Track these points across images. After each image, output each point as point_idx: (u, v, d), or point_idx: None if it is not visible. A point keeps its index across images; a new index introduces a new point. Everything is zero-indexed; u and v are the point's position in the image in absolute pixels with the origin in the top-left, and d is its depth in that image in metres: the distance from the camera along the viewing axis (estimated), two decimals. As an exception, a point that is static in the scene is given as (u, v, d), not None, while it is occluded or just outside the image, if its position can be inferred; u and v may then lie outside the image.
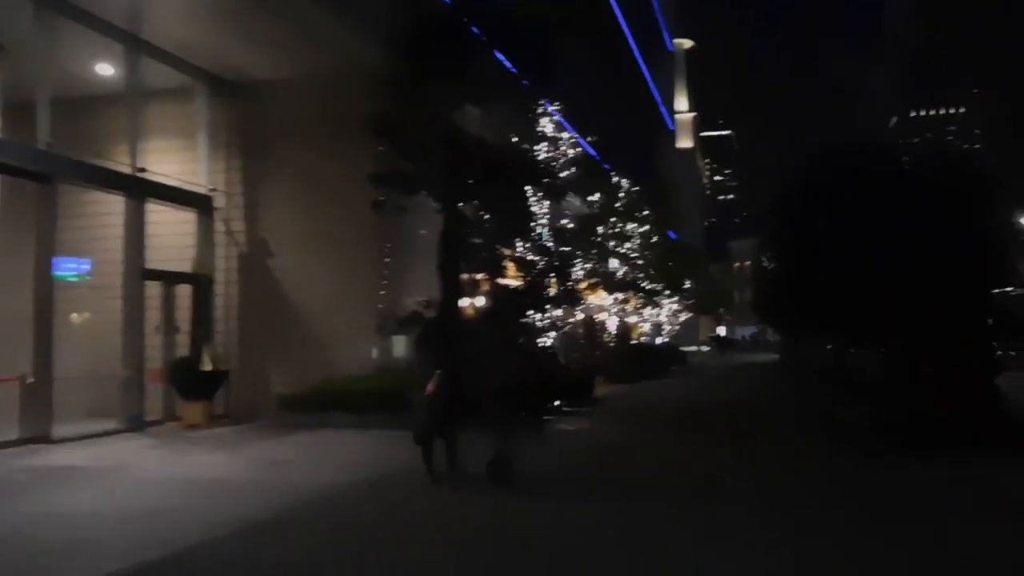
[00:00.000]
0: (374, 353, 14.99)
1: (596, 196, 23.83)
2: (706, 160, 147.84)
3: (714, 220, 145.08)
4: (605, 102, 31.63)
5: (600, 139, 27.88)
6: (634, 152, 30.81)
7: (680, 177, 71.75)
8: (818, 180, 16.81)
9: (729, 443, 11.16)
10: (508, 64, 15.91)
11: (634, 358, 23.94)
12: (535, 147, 16.21)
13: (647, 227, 25.71)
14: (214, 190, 15.22)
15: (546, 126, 17.39)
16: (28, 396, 11.22)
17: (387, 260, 15.40)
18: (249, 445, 11.46)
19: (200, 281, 14.61)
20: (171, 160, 14.93)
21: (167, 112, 15.16)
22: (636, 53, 39.48)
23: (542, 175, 15.37)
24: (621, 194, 24.89)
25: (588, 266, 22.44)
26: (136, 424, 12.88)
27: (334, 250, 14.99)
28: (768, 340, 68.81)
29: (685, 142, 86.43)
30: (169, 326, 14.25)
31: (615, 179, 24.90)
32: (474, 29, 14.06)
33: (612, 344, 25.50)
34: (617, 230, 24.16)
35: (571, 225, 20.07)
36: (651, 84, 45.23)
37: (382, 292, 15.17)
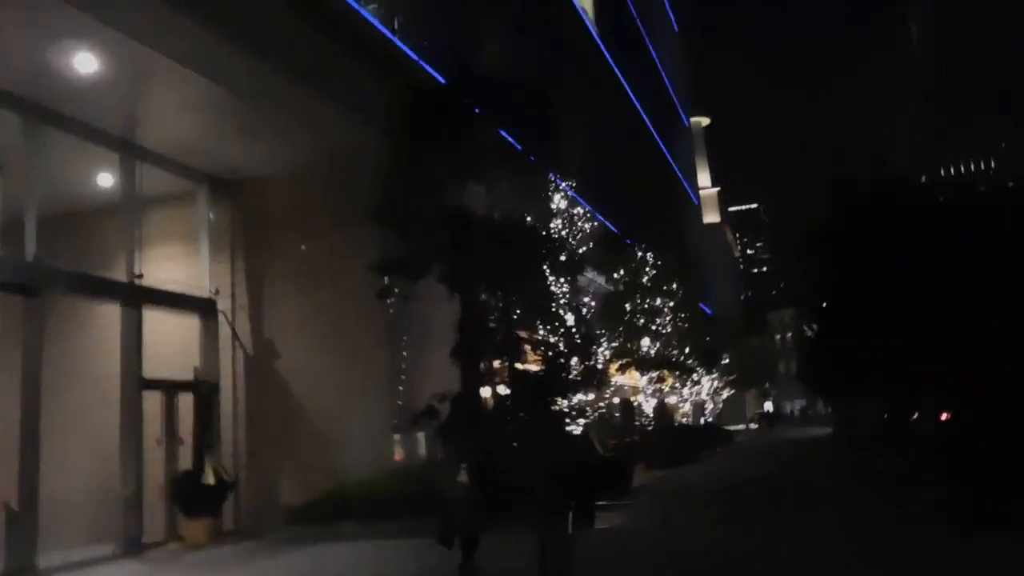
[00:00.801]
0: (390, 453, 13.96)
1: (620, 272, 23.00)
2: (736, 235, 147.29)
3: (750, 293, 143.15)
4: (624, 179, 31.23)
5: (622, 215, 27.30)
6: (659, 227, 30.18)
7: (710, 252, 70.96)
8: (858, 210, 14.98)
9: (792, 539, 9.67)
10: (511, 140, 15.50)
11: (674, 441, 22.41)
12: (547, 223, 15.50)
13: (675, 301, 24.65)
14: (217, 292, 14.67)
15: (559, 202, 16.76)
16: (12, 523, 10.35)
17: (404, 353, 14.55)
18: (249, 568, 10.37)
19: (202, 388, 13.86)
20: (172, 266, 14.50)
21: (166, 217, 14.84)
22: (651, 129, 39.41)
23: (555, 250, 14.60)
24: (647, 269, 24.02)
25: (615, 345, 21.38)
26: (134, 547, 11.89)
27: (343, 346, 14.22)
28: (819, 412, 65.89)
29: (712, 217, 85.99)
30: (171, 438, 13.42)
31: (640, 254, 24.08)
32: (472, 106, 13.70)
33: (650, 427, 24.05)
34: (646, 306, 23.15)
35: (593, 303, 19.13)
36: (669, 158, 45.03)
37: (400, 387, 14.26)
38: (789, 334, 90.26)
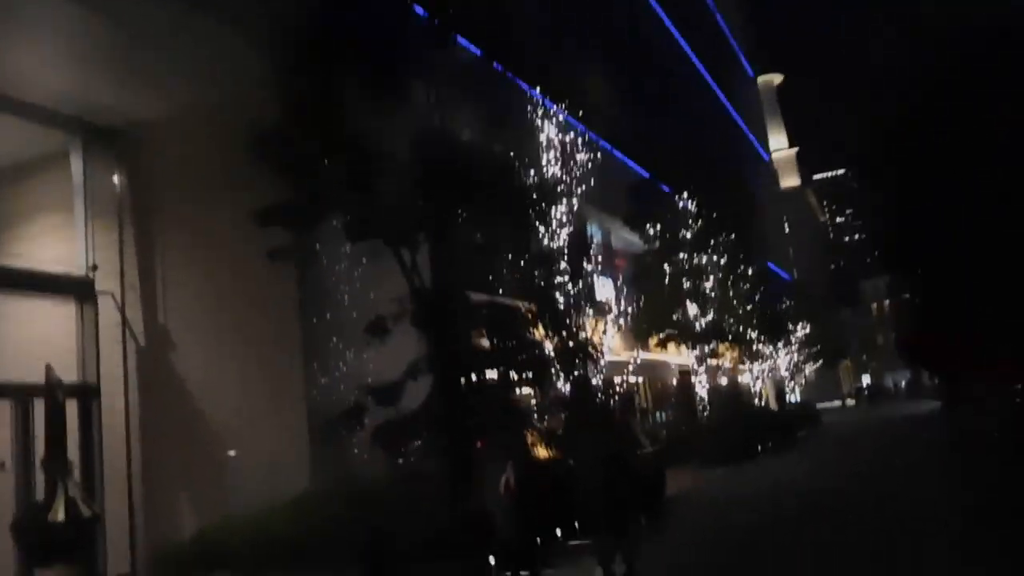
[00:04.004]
0: (311, 469, 10.39)
1: (656, 226, 18.74)
2: (824, 202, 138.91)
3: (841, 263, 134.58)
4: (665, 120, 26.75)
5: (660, 161, 22.95)
6: (711, 178, 25.59)
7: (790, 216, 64.87)
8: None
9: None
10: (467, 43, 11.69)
11: (734, 429, 17.93)
12: (519, 154, 11.58)
13: (729, 259, 20.15)
14: (94, 269, 11.40)
15: (546, 129, 12.83)
16: None
17: (332, 338, 10.93)
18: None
19: (56, 393, 10.60)
20: (44, 241, 11.41)
21: (32, 177, 11.74)
22: (700, 67, 34.51)
23: (525, 188, 10.61)
24: (691, 221, 19.62)
25: (650, 313, 17.21)
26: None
27: (248, 333, 10.76)
28: (925, 385, 58.95)
29: (791, 180, 79.45)
30: (24, 462, 10.25)
31: (681, 204, 19.71)
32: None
33: (706, 412, 19.62)
34: (689, 266, 18.80)
35: (607, 259, 15.11)
36: (727, 105, 39.88)
37: (323, 381, 10.65)
38: (887, 302, 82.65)
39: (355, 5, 9.78)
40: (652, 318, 17.80)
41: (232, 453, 10.63)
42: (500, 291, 10.31)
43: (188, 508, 10.80)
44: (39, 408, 10.49)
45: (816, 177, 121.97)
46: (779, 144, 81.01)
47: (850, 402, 59.80)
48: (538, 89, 14.01)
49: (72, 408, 10.59)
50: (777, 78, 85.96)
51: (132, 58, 10.38)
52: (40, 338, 11.04)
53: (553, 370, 10.95)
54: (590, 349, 12.14)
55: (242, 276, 10.78)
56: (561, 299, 12.10)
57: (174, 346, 11.29)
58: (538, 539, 9.73)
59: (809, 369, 35.28)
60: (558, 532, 10.13)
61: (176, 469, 10.94)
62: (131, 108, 11.46)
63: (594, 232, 20.07)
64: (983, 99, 15.22)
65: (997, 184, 14.57)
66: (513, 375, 10.02)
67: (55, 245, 11.58)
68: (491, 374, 9.70)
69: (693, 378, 19.50)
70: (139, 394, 11.34)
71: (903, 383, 72.54)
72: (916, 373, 65.79)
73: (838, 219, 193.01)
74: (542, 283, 10.69)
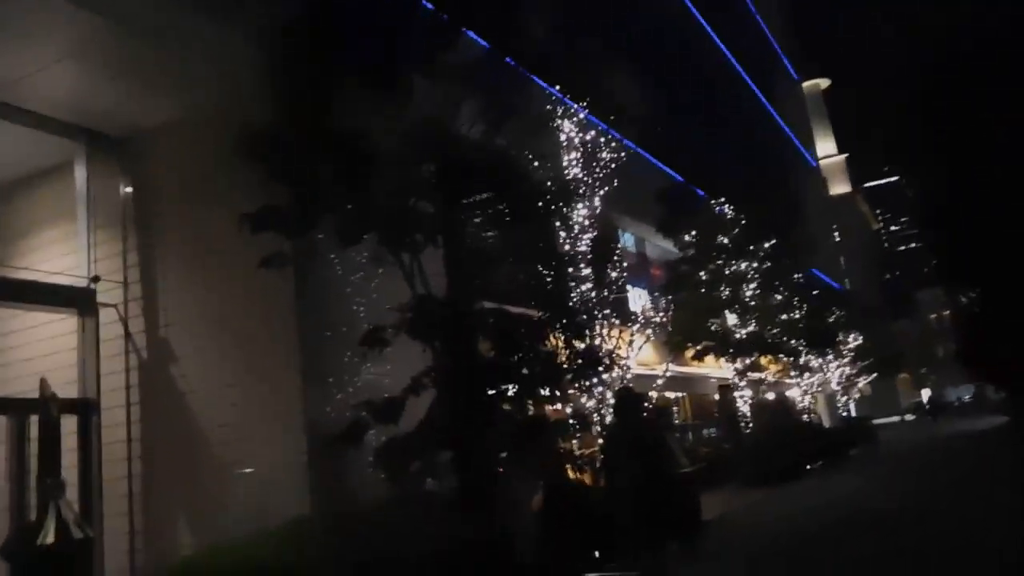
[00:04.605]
0: (310, 490, 9.74)
1: (691, 232, 17.81)
2: (877, 211, 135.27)
3: (897, 273, 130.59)
4: (702, 123, 25.77)
5: (698, 165, 22.02)
6: (753, 184, 24.53)
7: (840, 223, 62.82)
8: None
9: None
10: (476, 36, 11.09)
11: (779, 446, 16.76)
12: (533, 153, 10.87)
13: (771, 266, 19.05)
14: (96, 280, 11.02)
15: (566, 128, 12.14)
16: None
17: (335, 351, 10.31)
18: None
19: (50, 408, 10.20)
20: (46, 253, 11.13)
21: (36, 187, 11.47)
22: (739, 70, 33.39)
23: (537, 189, 9.84)
24: (730, 227, 18.60)
25: (684, 323, 16.26)
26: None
27: (250, 345, 10.23)
28: (991, 399, 56.00)
29: (840, 187, 77.20)
30: (18, 480, 9.85)
31: (718, 209, 18.73)
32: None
33: (748, 428, 18.47)
34: (727, 272, 17.79)
35: (641, 267, 14.27)
36: (770, 109, 38.56)
37: (323, 395, 10.02)
38: (947, 313, 79.34)
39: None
40: (688, 329, 16.86)
41: (234, 471, 10.09)
42: (513, 299, 9.56)
43: (188, 528, 10.28)
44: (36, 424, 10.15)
45: (867, 185, 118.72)
46: (827, 150, 78.93)
47: (909, 417, 57.22)
48: (558, 88, 13.35)
49: (70, 424, 10.23)
50: (824, 83, 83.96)
51: (135, 62, 10.08)
52: (40, 351, 10.74)
53: (576, 384, 10.18)
54: (617, 361, 11.32)
55: (244, 285, 10.26)
56: (583, 308, 11.34)
57: (176, 359, 10.82)
58: (565, 566, 9.01)
59: (864, 382, 33.60)
60: (587, 558, 9.38)
61: (176, 488, 10.43)
62: (135, 114, 11.13)
63: (622, 238, 19.30)
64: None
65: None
66: (530, 390, 9.31)
67: (57, 257, 11.29)
68: (504, 389, 8.96)
69: (734, 392, 18.41)
70: (140, 409, 10.90)
71: (966, 397, 69.19)
72: (980, 387, 62.69)
73: (892, 227, 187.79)
74: (561, 290, 9.91)
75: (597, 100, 14.72)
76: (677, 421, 20.29)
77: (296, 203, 8.69)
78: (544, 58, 15.80)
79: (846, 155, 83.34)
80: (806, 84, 70.98)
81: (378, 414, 8.60)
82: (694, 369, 19.02)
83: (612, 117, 17.33)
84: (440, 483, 8.52)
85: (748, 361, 18.04)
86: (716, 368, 19.09)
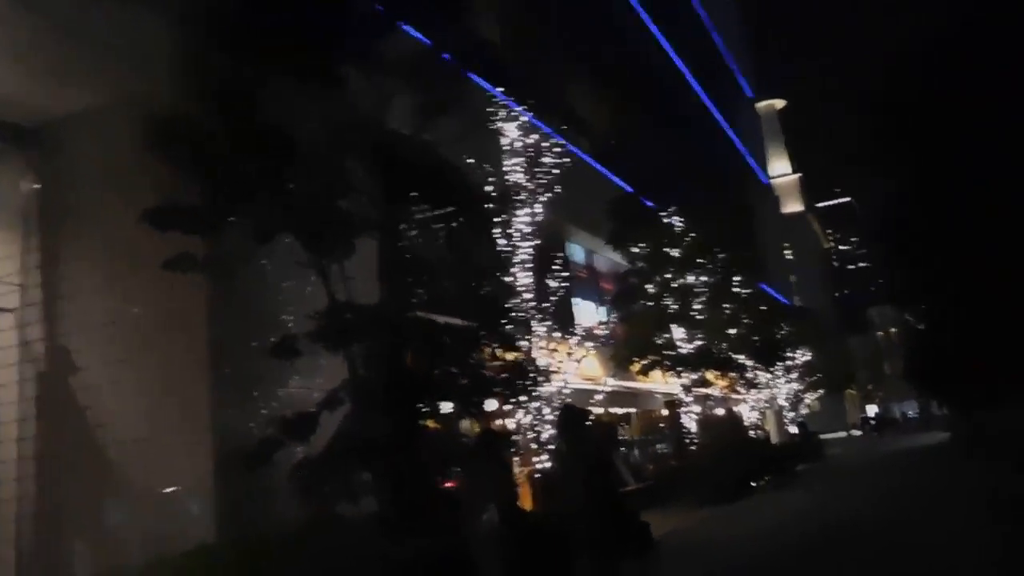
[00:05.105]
0: (216, 513, 8.96)
1: (639, 244, 17.42)
2: (828, 230, 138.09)
3: (846, 291, 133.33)
4: (651, 134, 25.56)
5: (647, 177, 21.72)
6: (702, 196, 24.33)
7: (792, 241, 63.60)
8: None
9: None
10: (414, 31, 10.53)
11: (726, 462, 16.38)
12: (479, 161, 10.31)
13: (720, 280, 18.76)
14: (-11, 282, 10.12)
15: (509, 131, 11.62)
16: None
17: (247, 363, 9.57)
18: None
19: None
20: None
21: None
22: (690, 80, 33.36)
23: (467, 190, 9.25)
24: (679, 239, 18.24)
25: (635, 338, 15.83)
26: None
27: (156, 353, 9.43)
28: (935, 415, 57.08)
29: (793, 206, 78.39)
30: None
31: (667, 221, 18.37)
32: None
33: (694, 445, 18.07)
34: (676, 285, 17.43)
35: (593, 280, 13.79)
36: (723, 123, 38.68)
37: (234, 409, 9.25)
38: (893, 330, 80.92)
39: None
40: (634, 342, 16.43)
41: (136, 494, 9.26)
42: (442, 307, 8.94)
43: (83, 556, 9.39)
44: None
45: (819, 205, 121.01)
46: (781, 169, 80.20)
47: (856, 432, 57.96)
48: (503, 91, 12.84)
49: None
50: (779, 103, 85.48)
51: (44, 44, 9.26)
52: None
53: (505, 399, 9.59)
54: (551, 375, 10.80)
55: (156, 290, 9.46)
56: (519, 319, 10.79)
57: (77, 370, 9.94)
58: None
59: (812, 398, 33.72)
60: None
61: (72, 512, 9.53)
62: (45, 102, 10.27)
63: (570, 248, 18.87)
64: (985, 117, 14.88)
65: (1007, 207, 13.96)
66: (452, 404, 8.72)
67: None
68: (424, 403, 8.33)
69: (681, 408, 18.04)
70: (36, 425, 9.98)
71: (911, 413, 70.45)
72: (925, 403, 63.86)
73: (842, 247, 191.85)
74: (492, 299, 9.32)
75: (548, 109, 14.27)
76: (625, 437, 19.84)
77: (207, 199, 7.99)
78: (495, 65, 15.37)
79: (799, 175, 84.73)
80: (762, 104, 72.05)
81: (288, 431, 7.91)
82: (644, 384, 18.61)
83: (564, 127, 16.95)
84: (354, 506, 7.86)
85: (695, 376, 17.69)
86: (665, 383, 18.72)
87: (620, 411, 19.10)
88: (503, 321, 9.16)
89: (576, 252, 20.26)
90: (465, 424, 9.74)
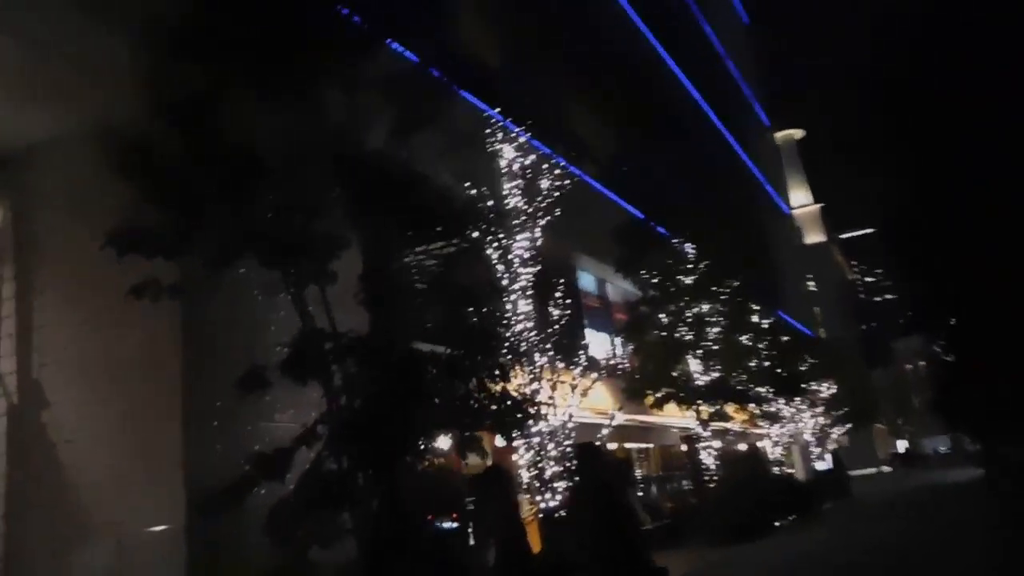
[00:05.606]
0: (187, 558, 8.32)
1: (650, 271, 16.77)
2: (852, 262, 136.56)
3: (872, 324, 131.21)
4: (665, 160, 25.00)
5: (661, 204, 21.13)
6: (719, 224, 23.67)
7: (815, 272, 62.50)
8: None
9: None
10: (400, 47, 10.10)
11: (747, 499, 15.43)
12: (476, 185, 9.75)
13: (736, 309, 17.99)
14: (-39, 315, 9.70)
15: (507, 152, 11.12)
16: None
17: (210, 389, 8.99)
18: None
19: None
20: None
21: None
22: (706, 109, 32.90)
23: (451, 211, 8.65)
24: (693, 266, 17.54)
25: (649, 370, 15.11)
26: None
27: (129, 385, 8.90)
28: (967, 450, 55.07)
29: (815, 237, 77.24)
30: None
31: (679, 248, 17.72)
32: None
33: (713, 481, 17.13)
34: (690, 314, 16.68)
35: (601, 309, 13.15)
36: (739, 151, 38.08)
37: (205, 445, 8.63)
38: (921, 363, 78.93)
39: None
40: (647, 373, 15.68)
41: (105, 536, 8.67)
42: (429, 335, 8.34)
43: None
44: None
45: (843, 236, 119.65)
46: (802, 200, 79.27)
47: (886, 469, 56.07)
48: (499, 110, 12.37)
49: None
50: (798, 133, 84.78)
51: (9, 69, 8.95)
52: None
53: (499, 433, 8.91)
54: (550, 409, 10.13)
55: (128, 320, 8.95)
56: (517, 348, 10.16)
57: (48, 405, 9.43)
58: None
59: (838, 433, 32.48)
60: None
61: (41, 555, 8.94)
62: (12, 129, 9.94)
63: (580, 277, 18.24)
64: (1007, 152, 14.58)
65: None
66: (444, 439, 8.10)
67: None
68: (412, 439, 7.69)
69: (699, 443, 17.16)
70: (7, 462, 9.45)
71: (942, 448, 68.20)
72: (956, 438, 61.77)
73: (867, 278, 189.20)
74: (483, 328, 8.69)
75: (560, 137, 13.76)
76: (643, 473, 18.98)
77: (173, 221, 7.50)
78: (498, 88, 14.98)
79: (821, 205, 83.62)
80: (780, 134, 71.50)
81: (263, 469, 7.30)
82: (659, 418, 17.79)
83: (575, 154, 16.46)
84: (329, 550, 7.20)
85: (713, 409, 16.86)
86: (682, 417, 17.89)
87: (635, 446, 18.27)
88: (494, 349, 8.52)
89: (588, 280, 19.65)
90: (456, 461, 9.07)
